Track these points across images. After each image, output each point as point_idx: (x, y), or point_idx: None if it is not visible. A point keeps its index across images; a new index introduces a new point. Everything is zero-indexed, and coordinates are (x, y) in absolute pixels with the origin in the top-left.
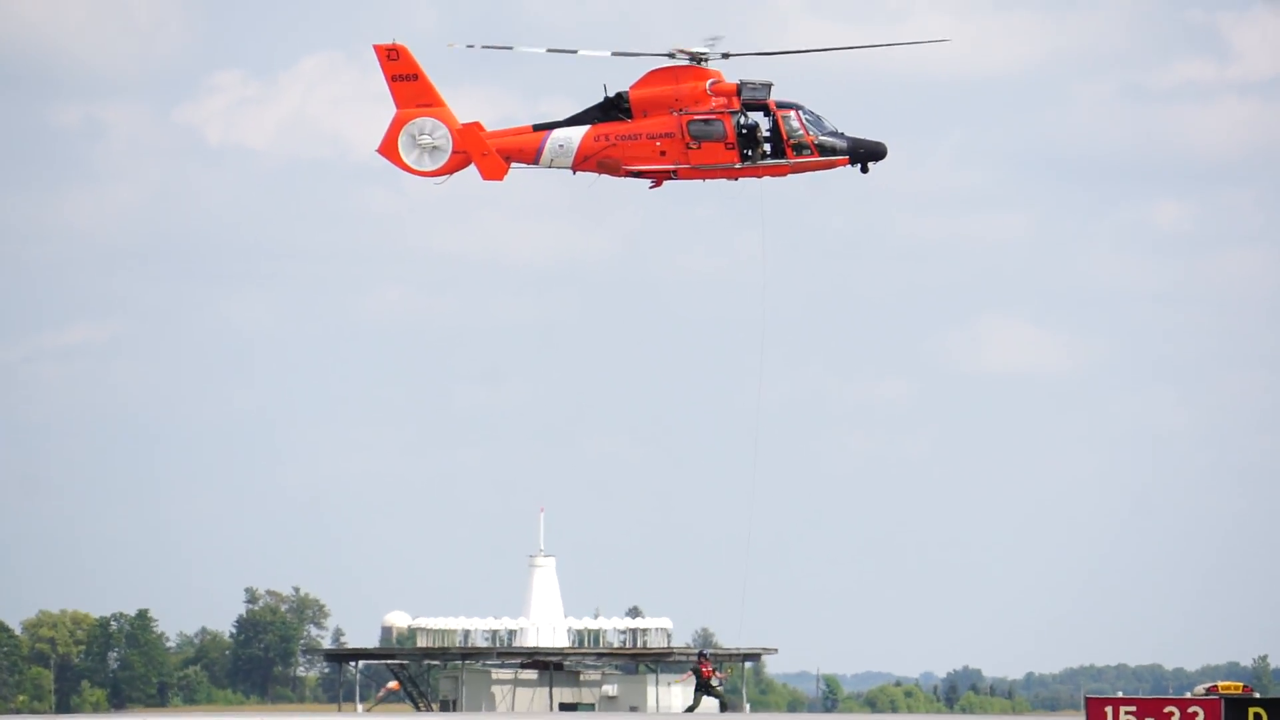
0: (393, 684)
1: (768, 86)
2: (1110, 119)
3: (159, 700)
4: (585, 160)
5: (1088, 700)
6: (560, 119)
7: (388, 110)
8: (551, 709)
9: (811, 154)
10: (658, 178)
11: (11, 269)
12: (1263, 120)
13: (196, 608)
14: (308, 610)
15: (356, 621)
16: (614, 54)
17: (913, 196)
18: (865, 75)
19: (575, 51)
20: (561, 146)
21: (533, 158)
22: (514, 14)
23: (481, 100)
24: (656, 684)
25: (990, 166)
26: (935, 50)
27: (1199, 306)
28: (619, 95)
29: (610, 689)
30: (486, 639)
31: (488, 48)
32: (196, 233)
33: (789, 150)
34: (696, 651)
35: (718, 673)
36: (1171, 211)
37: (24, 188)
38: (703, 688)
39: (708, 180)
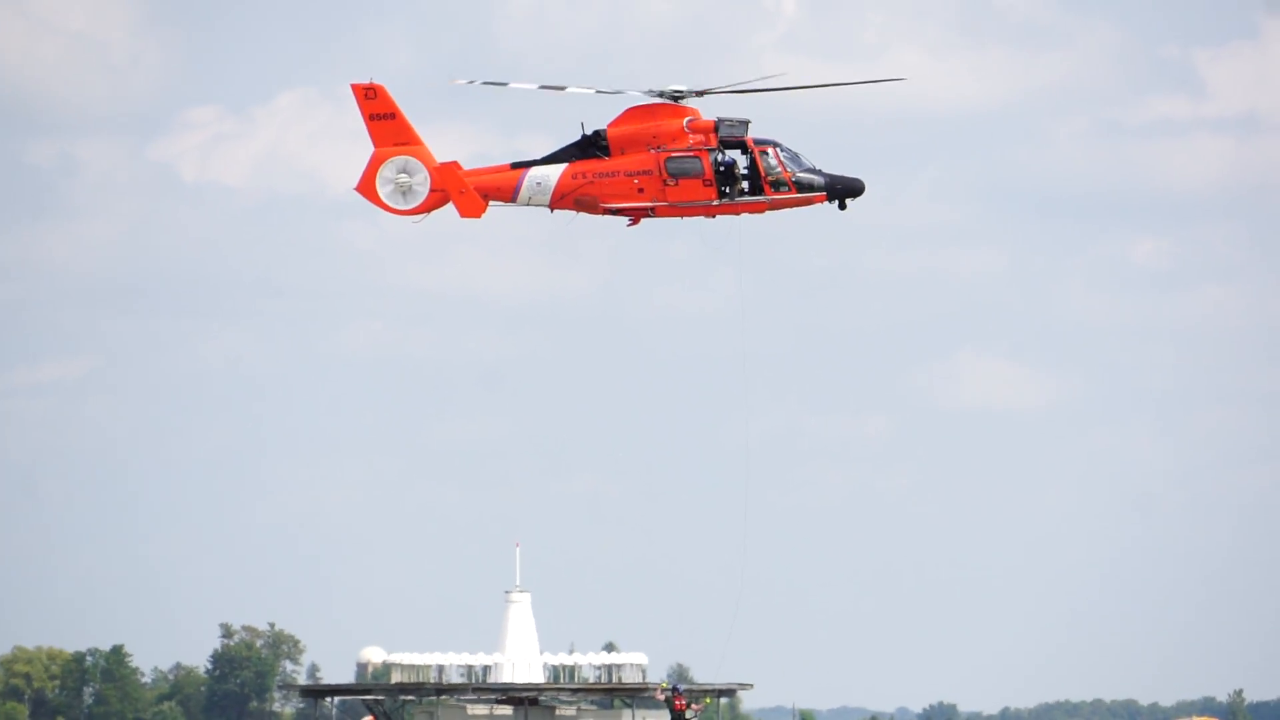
0: (368, 719)
1: (745, 124)
2: (1085, 155)
3: None
4: (563, 198)
5: None
6: (537, 156)
7: (364, 146)
8: None
9: (789, 191)
10: (635, 215)
11: None
12: (1237, 157)
13: (172, 643)
14: (283, 646)
15: (332, 657)
16: (598, 92)
17: (888, 232)
18: (840, 111)
19: (564, 88)
20: (539, 184)
21: (510, 196)
22: (489, 51)
23: (456, 137)
24: (632, 718)
25: (966, 202)
26: (911, 86)
27: (1174, 341)
28: (597, 133)
29: None
30: (462, 674)
31: (488, 84)
32: (172, 269)
33: (767, 187)
34: (670, 686)
35: (693, 705)
36: (1147, 247)
37: None
38: None
39: (685, 218)
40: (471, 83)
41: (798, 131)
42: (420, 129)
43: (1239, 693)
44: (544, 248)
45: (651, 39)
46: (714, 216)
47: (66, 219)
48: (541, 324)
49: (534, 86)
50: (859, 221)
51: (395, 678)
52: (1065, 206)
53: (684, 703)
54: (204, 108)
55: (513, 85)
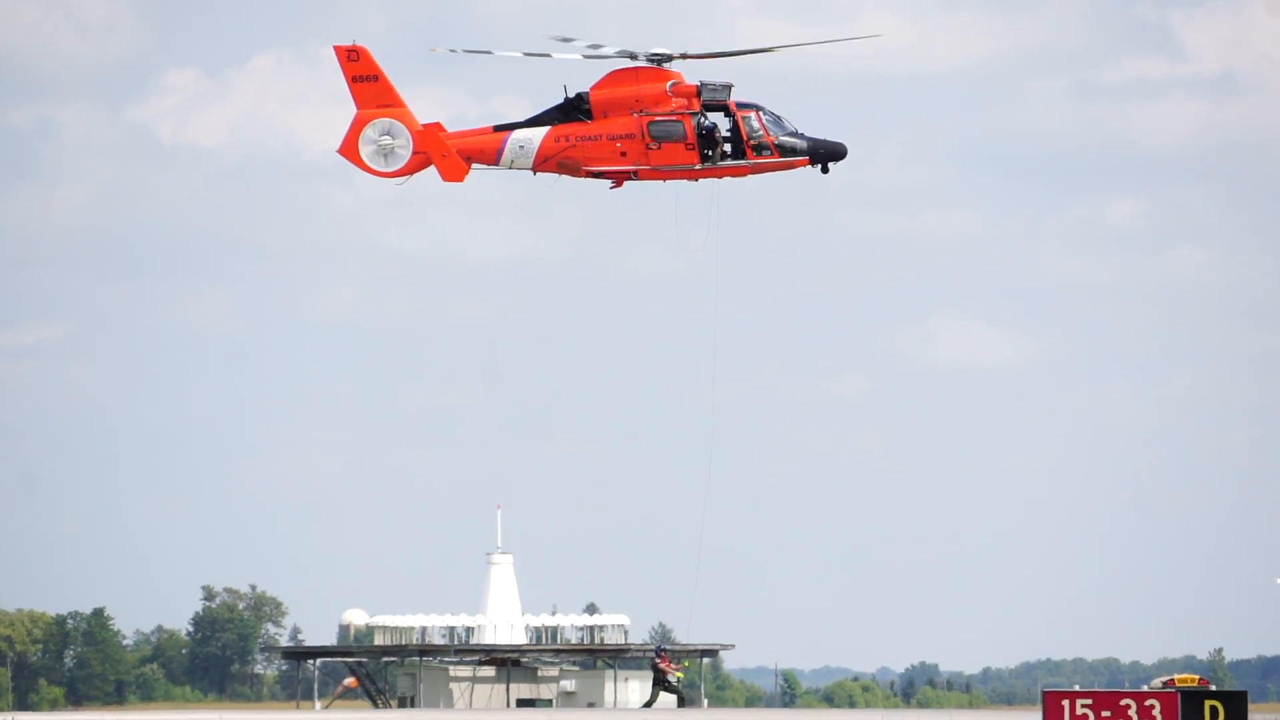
0: (350, 681)
1: (728, 87)
2: (1060, 116)
3: (116, 698)
4: (545, 161)
5: (1044, 694)
6: (515, 119)
7: (341, 108)
8: (509, 705)
9: (772, 154)
10: (618, 178)
11: None
12: (1213, 117)
13: (153, 606)
14: (265, 608)
15: (314, 619)
16: (585, 56)
17: (863, 193)
18: (815, 73)
19: (549, 55)
20: (522, 147)
21: (493, 159)
22: (464, 12)
23: (434, 100)
24: (614, 680)
25: (941, 163)
26: (885, 47)
27: (1150, 302)
28: (579, 96)
29: (568, 685)
30: (444, 636)
31: (470, 52)
32: (149, 231)
33: (749, 151)
34: (654, 647)
35: (674, 666)
36: (1123, 208)
37: None
38: (660, 683)
39: (668, 181)
40: (454, 51)
41: (775, 93)
42: (398, 91)
43: (1219, 651)
44: (522, 210)
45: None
46: (696, 180)
47: (44, 182)
48: (521, 286)
49: (518, 54)
50: (834, 183)
51: (378, 640)
52: (1041, 167)
53: (669, 664)
54: (180, 70)
55: (497, 53)
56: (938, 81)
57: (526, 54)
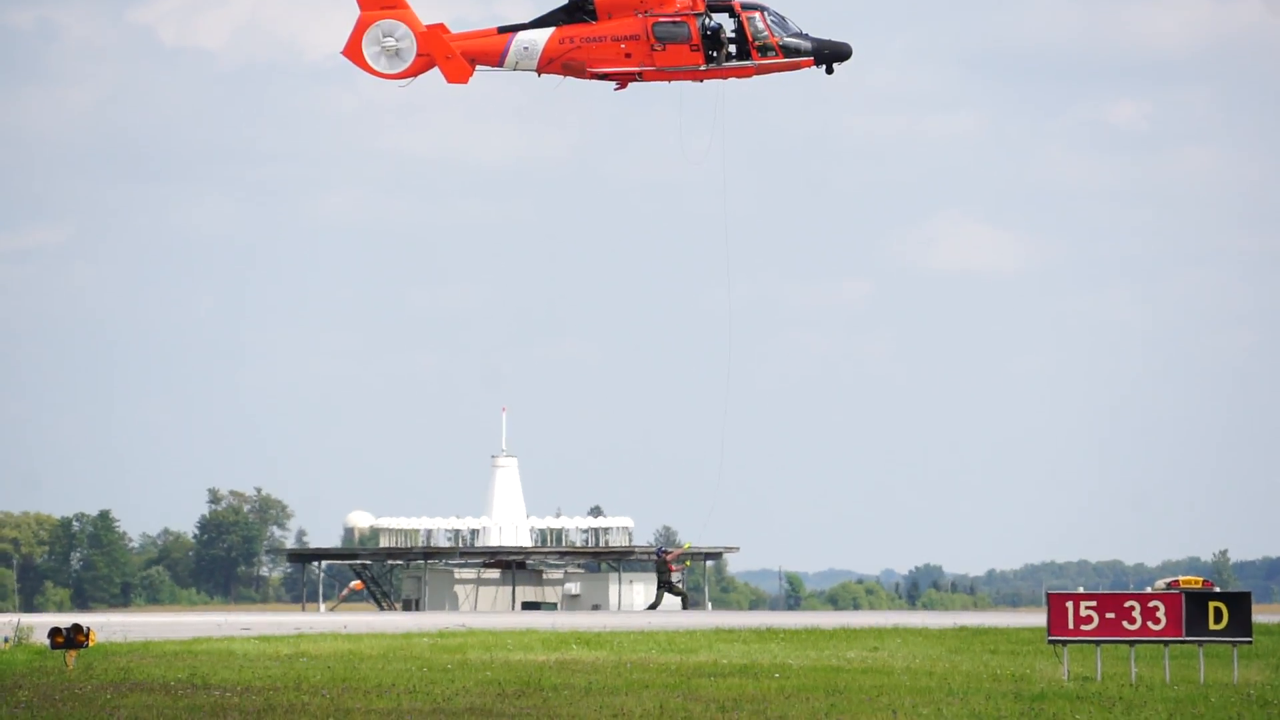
0: (355, 583)
1: None
2: (1064, 16)
3: (122, 600)
4: (550, 63)
5: (1049, 596)
6: (523, 20)
7: (343, 11)
8: (514, 607)
9: (776, 55)
10: (622, 79)
11: None
12: (1218, 17)
13: (159, 509)
14: (270, 511)
15: (319, 522)
16: None
17: (865, 96)
18: None
19: None
20: (526, 49)
21: (497, 60)
22: None
23: (435, 2)
24: (619, 582)
25: (943, 66)
26: None
27: (1155, 204)
28: None
29: (573, 587)
30: (449, 539)
31: None
32: (151, 134)
33: (754, 52)
34: (655, 549)
35: (674, 564)
36: (1126, 110)
37: None
38: (665, 585)
39: (672, 82)
40: None
41: None
42: None
43: (1224, 553)
44: (525, 113)
45: None
46: (701, 81)
47: (45, 84)
48: (524, 188)
49: None
50: (836, 86)
51: (382, 542)
52: (1042, 69)
53: (673, 565)
54: None
55: None
56: None
57: None
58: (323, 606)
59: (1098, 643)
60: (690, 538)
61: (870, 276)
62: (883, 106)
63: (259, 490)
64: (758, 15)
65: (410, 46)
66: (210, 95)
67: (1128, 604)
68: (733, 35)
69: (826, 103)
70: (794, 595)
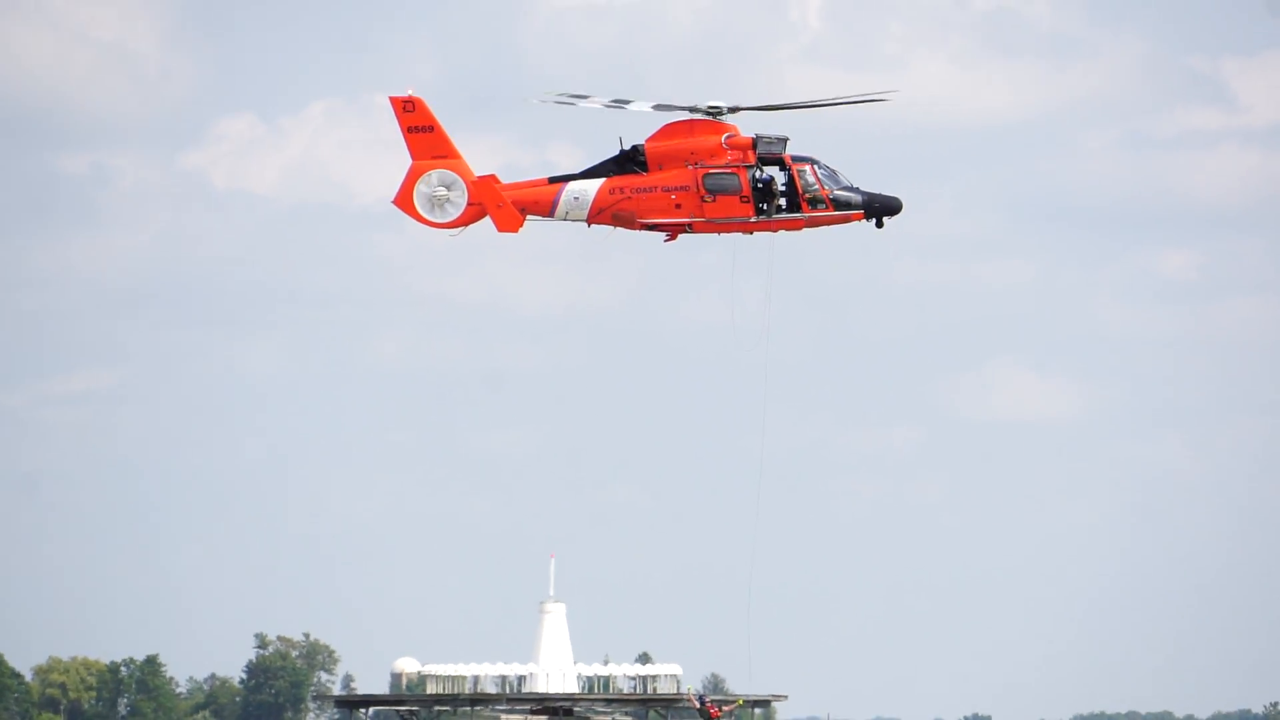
0: None
1: (783, 141)
2: (1114, 166)
3: None
4: (600, 213)
5: None
6: (573, 170)
7: (393, 155)
8: None
9: (827, 208)
10: (673, 231)
11: (18, 315)
12: (1267, 168)
13: (206, 653)
14: (318, 656)
15: (367, 668)
16: (655, 108)
17: (916, 244)
18: (868, 121)
19: (630, 102)
20: (577, 199)
21: (548, 210)
22: (513, 63)
23: (484, 149)
24: None
25: (993, 213)
26: (939, 97)
27: (1205, 353)
28: (635, 148)
29: None
30: (496, 685)
31: (561, 101)
32: (203, 277)
33: (804, 204)
34: (698, 694)
35: (725, 707)
36: (1177, 259)
37: (32, 235)
38: None
39: (722, 234)
40: (544, 100)
41: (825, 142)
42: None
43: (1275, 704)
44: (573, 259)
45: (673, 50)
46: (751, 233)
47: (100, 229)
48: (572, 334)
49: (604, 102)
50: (887, 233)
51: (430, 688)
52: (1094, 218)
53: (716, 709)
54: (234, 117)
55: (582, 104)
56: (989, 132)
57: (612, 102)
58: None
59: None
60: (737, 685)
61: (920, 422)
62: (932, 253)
63: (307, 635)
64: (808, 168)
65: (462, 196)
66: (260, 238)
67: None
68: (783, 188)
69: (875, 249)
70: None
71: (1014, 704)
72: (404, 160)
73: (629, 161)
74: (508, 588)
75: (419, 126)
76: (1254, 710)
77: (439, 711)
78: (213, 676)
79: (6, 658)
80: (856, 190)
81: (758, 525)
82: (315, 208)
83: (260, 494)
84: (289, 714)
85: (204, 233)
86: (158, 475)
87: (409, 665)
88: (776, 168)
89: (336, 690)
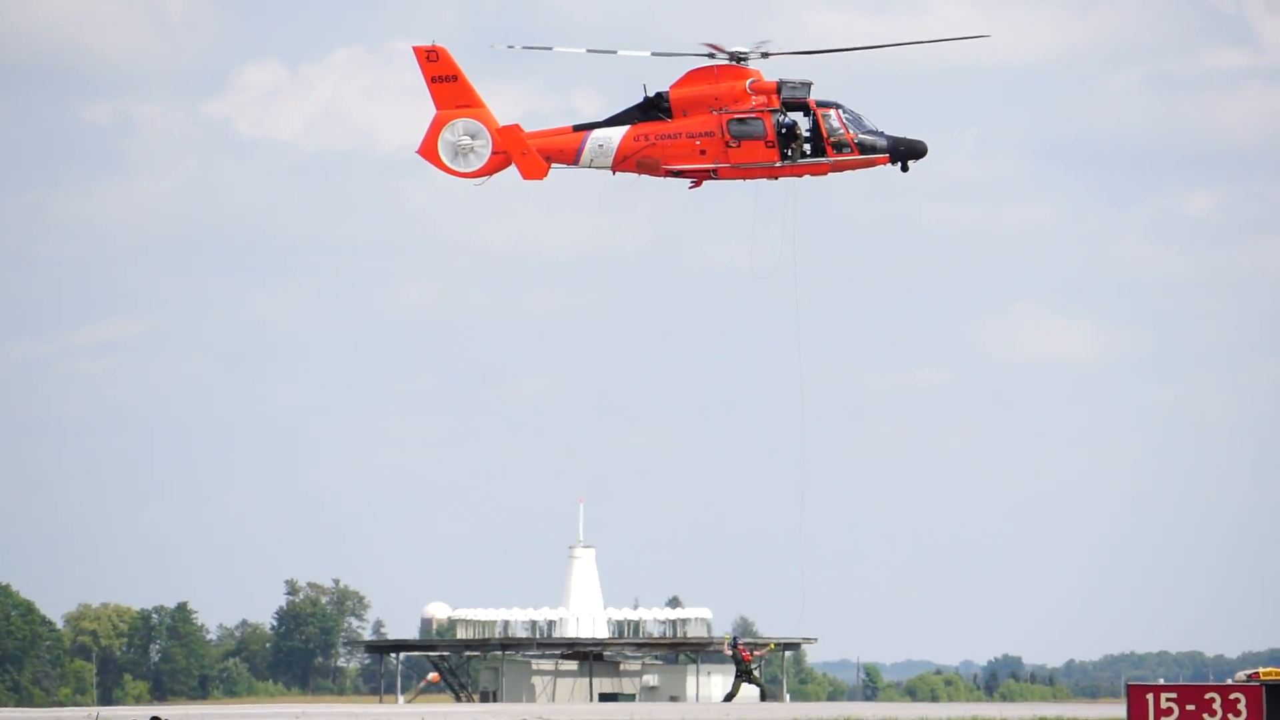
0: (433, 675)
1: (807, 85)
2: (1138, 108)
3: (200, 692)
4: (625, 160)
5: (1129, 687)
6: (598, 119)
7: (417, 102)
8: (591, 699)
9: (852, 152)
10: (698, 177)
11: (45, 265)
12: None
13: (237, 600)
14: (348, 602)
15: (397, 613)
16: (653, 54)
17: (940, 186)
18: (891, 66)
19: (614, 52)
20: (601, 146)
21: (573, 158)
22: (537, 10)
23: (509, 96)
24: (697, 674)
25: (1017, 156)
26: (960, 40)
27: (1230, 293)
28: (659, 95)
29: (650, 679)
30: (526, 630)
31: (528, 48)
32: (228, 226)
33: (829, 149)
34: (732, 639)
35: (757, 651)
36: (1201, 200)
37: (56, 184)
38: (742, 674)
39: (747, 179)
40: (511, 47)
41: (845, 87)
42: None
43: None
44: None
45: None
46: (776, 178)
47: (122, 178)
48: (599, 279)
49: (581, 50)
50: (911, 176)
51: (460, 634)
52: (1117, 160)
53: (749, 654)
54: (258, 64)
55: (557, 49)
56: (1013, 74)
57: (589, 51)
58: (401, 698)
59: None
60: (770, 629)
61: (947, 365)
62: (956, 196)
63: (337, 581)
64: (833, 112)
65: (486, 145)
66: (285, 186)
67: (1208, 696)
68: (808, 133)
69: (900, 192)
70: (871, 686)
71: (1043, 646)
72: (428, 108)
73: (653, 108)
74: (537, 532)
75: (443, 76)
76: None
77: (469, 656)
78: (243, 623)
79: (38, 606)
80: (882, 134)
81: (804, 470)
82: (340, 155)
83: (289, 441)
84: (320, 659)
85: (229, 181)
86: (188, 423)
87: (439, 610)
88: (801, 112)
89: (367, 636)
